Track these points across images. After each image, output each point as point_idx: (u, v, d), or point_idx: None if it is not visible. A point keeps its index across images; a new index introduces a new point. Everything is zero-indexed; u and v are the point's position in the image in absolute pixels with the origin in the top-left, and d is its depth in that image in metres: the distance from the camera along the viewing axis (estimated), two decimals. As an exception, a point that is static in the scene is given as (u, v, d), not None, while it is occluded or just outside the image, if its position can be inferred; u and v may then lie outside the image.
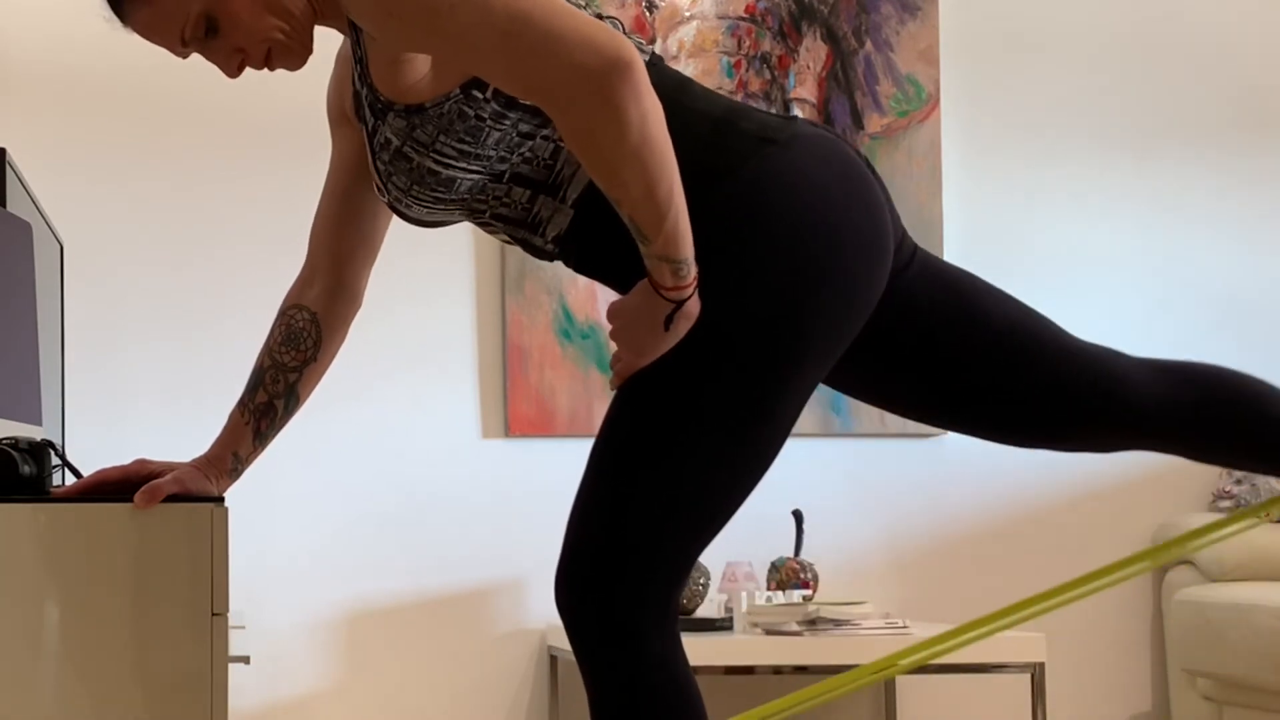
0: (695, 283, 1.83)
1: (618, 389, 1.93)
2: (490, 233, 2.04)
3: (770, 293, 1.88)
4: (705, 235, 1.86)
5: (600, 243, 1.96)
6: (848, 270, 1.92)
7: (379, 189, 2.00)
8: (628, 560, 1.86)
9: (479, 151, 1.90)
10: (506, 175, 1.93)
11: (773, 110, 4.43)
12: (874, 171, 2.03)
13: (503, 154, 1.91)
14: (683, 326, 1.85)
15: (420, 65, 1.88)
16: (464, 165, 1.90)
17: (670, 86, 1.96)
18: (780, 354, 1.89)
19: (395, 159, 1.93)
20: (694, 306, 1.84)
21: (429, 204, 1.96)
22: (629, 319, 1.87)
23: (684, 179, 1.83)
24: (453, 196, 1.94)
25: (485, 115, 1.88)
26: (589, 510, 1.90)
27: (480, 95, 1.87)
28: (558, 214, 1.95)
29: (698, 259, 1.84)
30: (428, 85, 1.88)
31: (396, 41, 1.84)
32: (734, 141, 1.93)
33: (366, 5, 1.78)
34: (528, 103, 1.88)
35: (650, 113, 1.74)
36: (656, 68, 1.97)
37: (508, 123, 1.89)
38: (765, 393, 1.89)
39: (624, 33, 1.88)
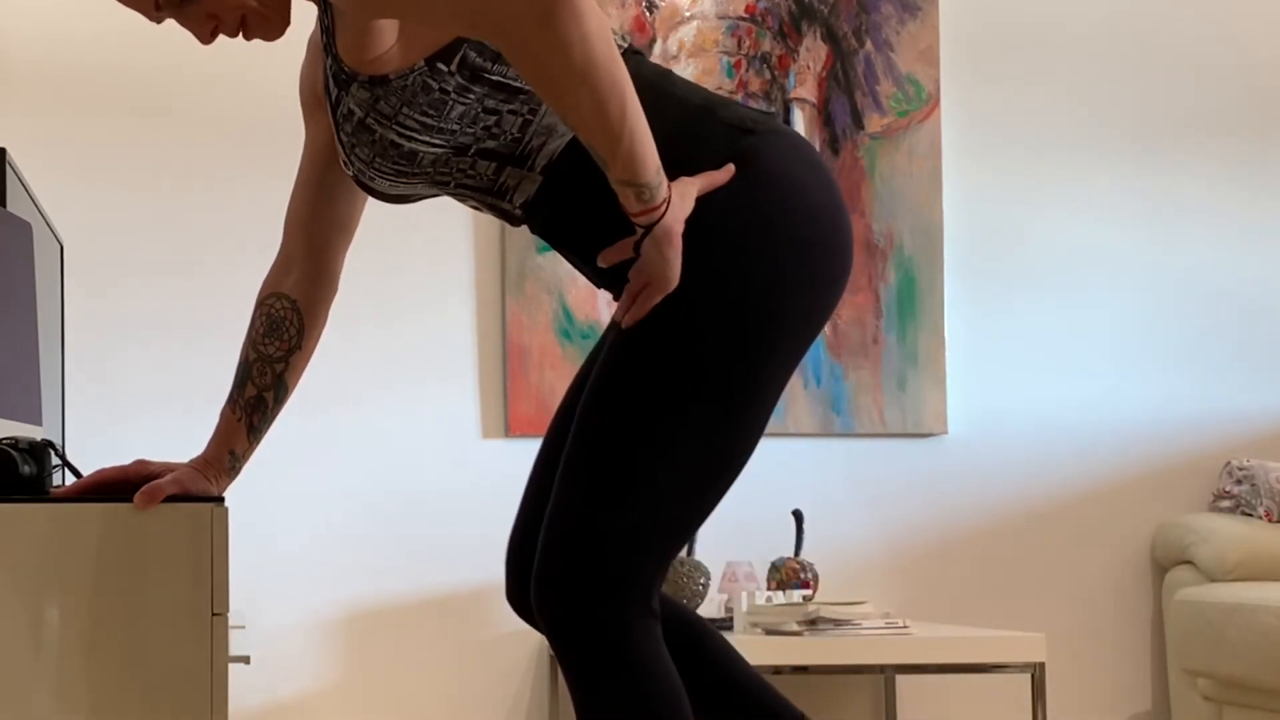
0: (665, 203, 1.82)
1: (590, 381, 1.93)
2: (460, 200, 2.04)
3: (746, 283, 1.88)
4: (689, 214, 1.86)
5: (566, 210, 1.96)
6: (819, 262, 1.93)
7: (343, 162, 2.00)
8: (607, 565, 1.86)
9: (442, 125, 1.90)
10: (471, 149, 1.93)
11: (773, 110, 4.43)
12: None
13: (466, 128, 1.91)
14: (668, 251, 1.83)
15: (386, 37, 1.89)
16: (426, 138, 1.90)
17: (652, 74, 1.97)
18: (755, 344, 1.89)
19: (358, 130, 1.93)
20: (665, 229, 1.82)
21: (391, 177, 1.96)
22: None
23: (663, 165, 1.83)
24: (415, 170, 1.94)
25: (449, 89, 1.88)
26: (564, 513, 1.89)
27: (444, 68, 1.87)
28: (525, 181, 1.96)
29: None
30: (392, 57, 1.88)
31: (359, 5, 1.84)
32: (712, 131, 1.94)
33: None
34: (492, 77, 1.88)
35: (593, 34, 1.73)
36: (638, 58, 1.98)
37: (472, 97, 1.89)
38: (740, 386, 1.89)
39: None
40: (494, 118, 1.91)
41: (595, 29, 1.73)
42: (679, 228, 1.83)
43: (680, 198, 1.85)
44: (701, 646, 2.11)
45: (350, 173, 2.00)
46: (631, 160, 1.79)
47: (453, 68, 1.87)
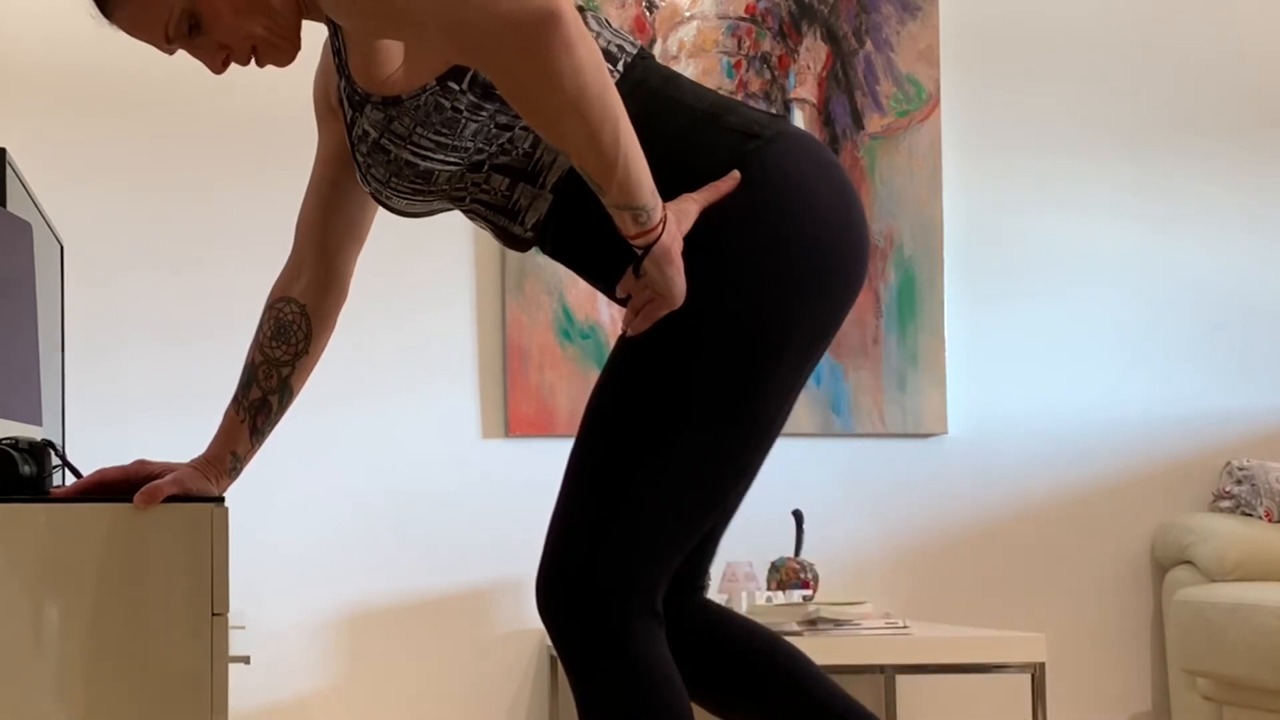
0: (661, 224, 1.82)
1: (596, 389, 1.93)
2: (472, 219, 2.04)
3: (752, 290, 1.88)
4: (689, 231, 1.86)
5: (576, 229, 1.96)
6: (829, 267, 1.92)
7: (360, 180, 2.01)
8: (609, 567, 1.86)
9: (456, 143, 1.90)
10: (486, 165, 1.93)
11: (772, 110, 4.43)
12: None
13: (480, 145, 1.91)
14: (668, 270, 1.83)
15: (395, 57, 1.89)
16: (441, 157, 1.91)
17: (658, 80, 1.97)
18: (761, 352, 1.88)
19: (373, 151, 1.93)
20: (664, 249, 1.82)
21: (408, 195, 1.96)
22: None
23: (668, 173, 1.84)
24: (431, 188, 1.94)
25: (461, 107, 1.88)
26: (569, 516, 1.90)
27: (456, 87, 1.87)
28: (537, 200, 1.96)
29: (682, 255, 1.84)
30: (404, 77, 1.89)
31: (361, 26, 1.85)
32: (718, 136, 1.94)
33: None
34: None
35: (584, 61, 1.72)
36: (645, 61, 1.98)
37: (484, 114, 1.89)
38: (747, 393, 1.88)
39: None
40: (507, 134, 1.91)
41: (585, 57, 1.72)
42: (678, 246, 1.83)
43: (678, 216, 1.85)
44: (773, 659, 2.09)
45: (368, 190, 2.01)
46: (626, 185, 1.78)
47: (464, 86, 1.87)
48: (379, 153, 1.93)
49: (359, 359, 4.20)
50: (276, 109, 4.14)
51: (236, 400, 2.10)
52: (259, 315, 2.18)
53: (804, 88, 4.50)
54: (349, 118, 1.96)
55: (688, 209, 1.87)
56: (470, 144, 1.90)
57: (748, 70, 4.46)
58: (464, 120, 1.89)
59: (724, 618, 2.11)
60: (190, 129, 4.18)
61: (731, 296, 1.88)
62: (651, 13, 4.42)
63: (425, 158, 1.91)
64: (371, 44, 1.89)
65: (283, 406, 2.11)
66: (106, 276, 4.10)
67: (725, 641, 2.09)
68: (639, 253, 1.82)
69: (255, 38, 1.90)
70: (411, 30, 1.80)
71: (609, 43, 1.95)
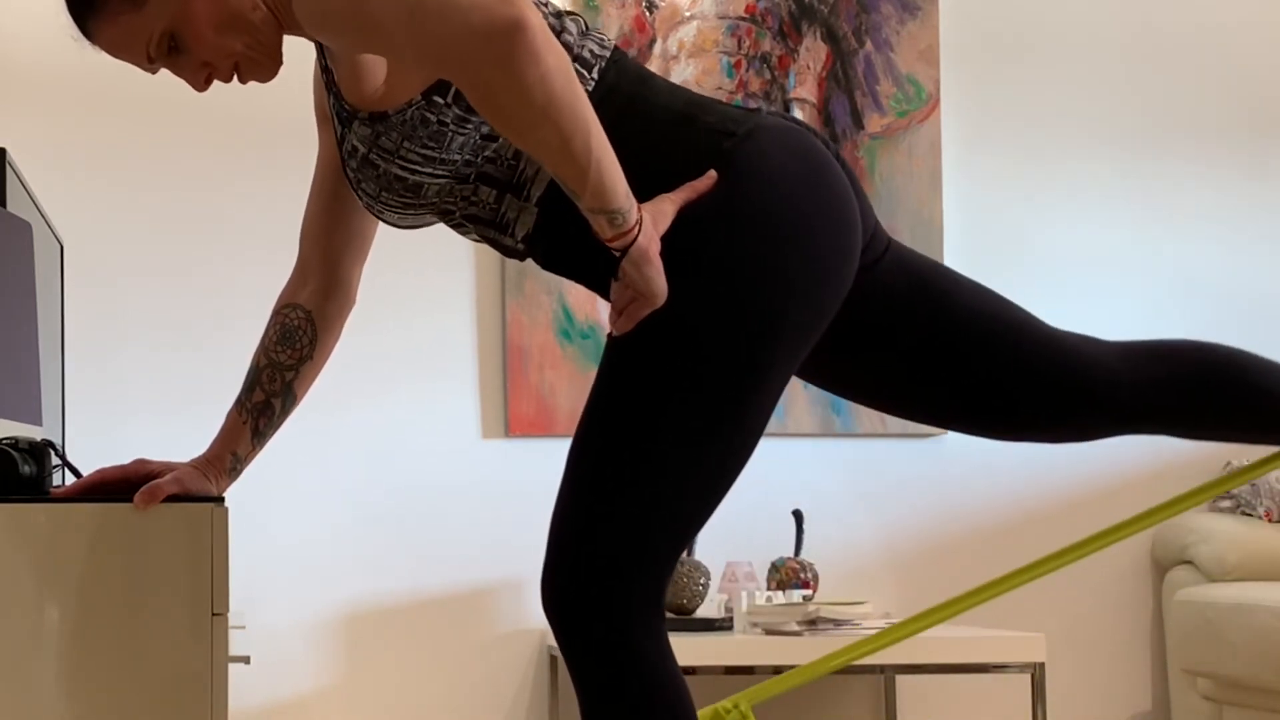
0: (637, 226, 1.83)
1: (591, 390, 1.94)
2: (463, 234, 2.05)
3: (736, 287, 1.88)
4: (668, 231, 1.86)
5: (565, 240, 1.97)
6: (814, 261, 1.92)
7: (354, 193, 2.02)
8: (607, 570, 1.86)
9: (444, 156, 1.91)
10: (472, 176, 1.94)
11: (772, 109, 4.43)
12: (842, 162, 2.03)
13: (467, 157, 1.92)
14: (647, 270, 1.84)
15: (380, 73, 1.90)
16: (429, 170, 1.92)
17: (632, 81, 1.97)
18: (749, 349, 1.88)
19: (362, 166, 1.95)
20: (640, 250, 1.83)
21: (399, 209, 1.98)
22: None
23: (644, 174, 1.84)
24: (421, 201, 1.96)
25: (448, 120, 1.89)
26: (567, 519, 1.90)
27: (442, 101, 1.89)
28: (524, 213, 1.97)
29: (662, 255, 1.85)
30: (390, 92, 1.90)
31: (336, 42, 1.86)
32: (695, 136, 1.94)
33: (306, 13, 1.81)
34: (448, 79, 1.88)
35: (553, 71, 1.73)
36: (618, 63, 1.98)
37: (470, 126, 1.90)
38: (737, 389, 1.89)
39: None
40: (493, 144, 1.92)
41: (554, 66, 1.73)
42: (655, 247, 1.84)
43: (654, 216, 1.86)
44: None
45: (362, 204, 2.02)
46: (600, 190, 1.79)
47: (449, 99, 1.88)
48: (368, 167, 1.94)
49: (359, 359, 4.20)
50: (277, 109, 4.14)
51: (239, 402, 2.11)
52: (260, 315, 2.19)
53: (804, 88, 4.50)
54: (339, 133, 1.98)
55: (664, 209, 1.87)
56: (457, 156, 1.92)
57: (748, 70, 4.46)
58: (450, 133, 1.90)
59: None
60: (190, 129, 4.18)
61: (713, 293, 1.88)
62: (651, 13, 4.42)
63: (414, 171, 1.92)
64: (355, 60, 1.90)
65: (285, 410, 2.12)
66: (106, 276, 4.10)
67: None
68: (616, 255, 1.83)
69: (236, 55, 1.92)
70: (383, 43, 1.80)
71: (582, 49, 1.96)
